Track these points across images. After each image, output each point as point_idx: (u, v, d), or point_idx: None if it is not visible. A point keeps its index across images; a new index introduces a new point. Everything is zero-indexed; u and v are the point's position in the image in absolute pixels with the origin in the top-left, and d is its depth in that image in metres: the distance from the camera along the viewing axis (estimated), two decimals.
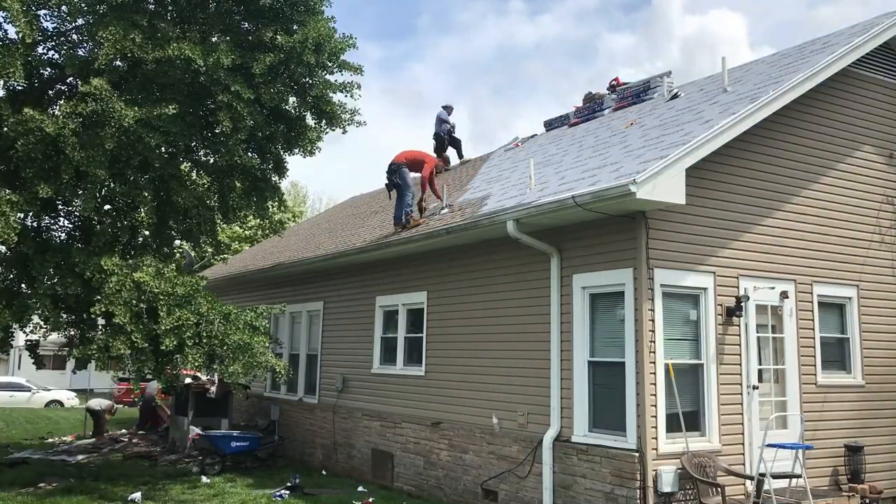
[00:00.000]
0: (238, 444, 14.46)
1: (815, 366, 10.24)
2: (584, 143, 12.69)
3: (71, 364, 14.61)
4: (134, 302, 10.96)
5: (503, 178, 13.10)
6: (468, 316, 11.51)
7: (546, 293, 9.98)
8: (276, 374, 13.31)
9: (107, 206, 12.86)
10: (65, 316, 12.82)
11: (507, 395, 10.53)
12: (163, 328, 10.86)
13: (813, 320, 10.32)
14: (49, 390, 35.23)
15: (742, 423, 9.32)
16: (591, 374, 9.29)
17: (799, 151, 10.46)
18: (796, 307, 10.14)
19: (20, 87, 11.80)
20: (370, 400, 13.67)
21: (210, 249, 18.60)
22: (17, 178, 11.58)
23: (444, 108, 17.96)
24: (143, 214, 12.87)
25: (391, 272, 13.54)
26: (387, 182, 13.35)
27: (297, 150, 13.05)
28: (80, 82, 11.77)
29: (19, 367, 42.86)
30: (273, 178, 13.59)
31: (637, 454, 8.47)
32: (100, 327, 12.66)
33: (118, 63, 11.37)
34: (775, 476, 8.69)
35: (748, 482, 8.98)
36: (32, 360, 14.43)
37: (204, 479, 13.21)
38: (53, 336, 14.68)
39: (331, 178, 77.10)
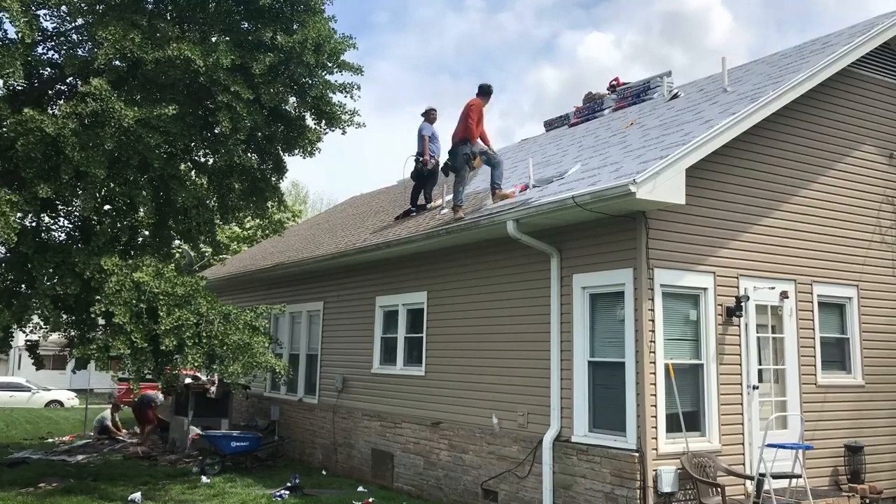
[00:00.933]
0: (238, 444, 14.46)
1: (815, 366, 10.24)
2: (584, 143, 12.69)
3: (71, 364, 14.64)
4: (134, 302, 10.97)
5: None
6: (468, 316, 11.50)
7: (546, 293, 9.98)
8: (276, 374, 13.32)
9: (106, 206, 12.86)
10: (65, 316, 12.85)
11: (507, 395, 10.52)
12: (163, 328, 10.86)
13: (813, 320, 10.32)
14: (49, 390, 35.22)
15: (742, 423, 9.31)
16: (591, 374, 9.28)
17: (799, 151, 10.46)
18: (796, 307, 10.14)
19: (20, 87, 11.80)
20: (370, 400, 13.66)
21: (209, 249, 18.62)
22: (16, 178, 11.58)
23: (425, 113, 13.79)
24: (142, 214, 12.88)
25: (391, 272, 13.54)
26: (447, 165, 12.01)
27: (296, 151, 13.07)
28: (79, 82, 11.79)
29: (19, 367, 42.86)
30: (273, 179, 13.60)
31: (637, 454, 8.46)
32: (100, 327, 12.68)
33: (118, 63, 11.37)
34: (775, 476, 8.69)
35: (748, 482, 8.97)
36: (32, 360, 14.46)
37: (204, 479, 13.20)
38: (53, 336, 14.71)
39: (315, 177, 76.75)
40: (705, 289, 9.26)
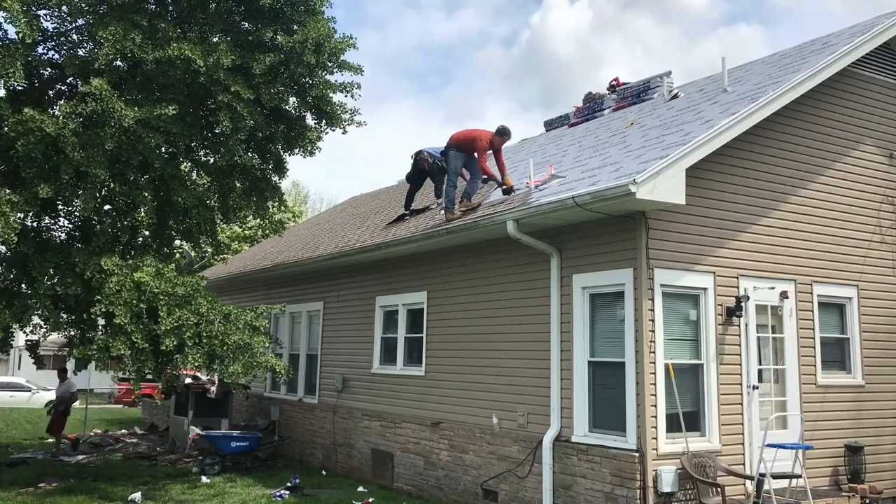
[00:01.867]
0: (238, 444, 14.46)
1: (815, 366, 10.24)
2: (584, 143, 12.70)
3: (71, 364, 14.63)
4: (134, 302, 10.97)
5: None
6: (468, 316, 11.51)
7: (546, 293, 9.98)
8: (276, 374, 13.31)
9: (107, 206, 12.87)
10: (65, 316, 12.84)
11: (507, 395, 10.53)
12: (163, 328, 10.86)
13: (813, 320, 10.32)
14: (49, 390, 35.12)
15: (742, 423, 9.31)
16: (591, 374, 9.29)
17: (799, 151, 10.46)
18: (796, 307, 10.14)
19: (20, 87, 11.81)
20: (370, 400, 13.67)
21: (210, 249, 18.61)
22: (17, 178, 11.58)
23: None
24: (142, 214, 12.89)
25: (391, 272, 13.54)
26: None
27: (297, 151, 13.07)
28: (80, 82, 11.78)
29: (19, 367, 42.87)
30: (273, 178, 13.61)
31: (637, 454, 8.47)
32: (100, 327, 12.68)
33: (118, 63, 11.37)
34: (775, 476, 8.69)
35: (748, 482, 8.98)
36: (32, 360, 14.44)
37: (204, 479, 13.21)
38: (53, 336, 14.69)
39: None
40: (705, 289, 9.27)
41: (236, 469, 14.30)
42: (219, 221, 14.32)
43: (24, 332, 13.48)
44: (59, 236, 13.05)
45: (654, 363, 8.63)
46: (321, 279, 15.91)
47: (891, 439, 10.73)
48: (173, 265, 12.86)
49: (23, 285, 12.35)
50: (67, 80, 12.60)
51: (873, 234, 11.10)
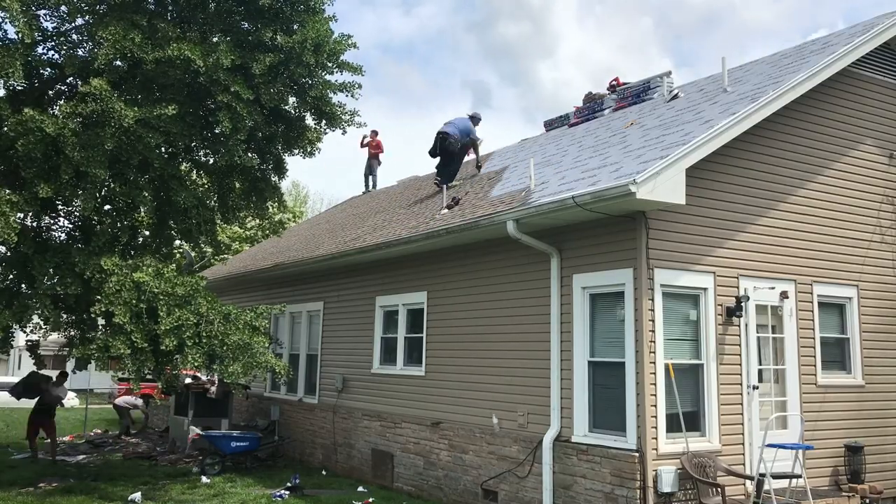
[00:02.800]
0: (238, 444, 14.46)
1: (815, 366, 10.24)
2: (583, 143, 12.69)
3: (71, 364, 14.63)
4: (134, 302, 10.97)
5: (503, 178, 13.09)
6: (468, 316, 11.50)
7: (546, 293, 9.98)
8: (276, 374, 13.32)
9: (107, 206, 12.88)
10: (65, 316, 12.84)
11: (507, 395, 10.52)
12: (163, 328, 10.86)
13: (813, 320, 10.31)
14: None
15: (742, 423, 9.31)
16: (591, 374, 9.29)
17: (799, 151, 10.45)
18: (796, 307, 10.14)
19: (20, 87, 11.81)
20: (370, 400, 13.66)
21: (210, 249, 18.63)
22: (17, 178, 11.59)
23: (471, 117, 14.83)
24: (142, 214, 12.89)
25: (391, 272, 13.54)
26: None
27: (296, 151, 13.08)
28: (80, 82, 11.79)
29: (19, 367, 42.82)
30: (273, 179, 13.61)
31: (637, 454, 8.46)
32: (100, 327, 12.67)
33: (118, 63, 11.38)
34: (775, 476, 8.69)
35: (748, 482, 8.97)
36: (32, 360, 14.44)
37: (204, 479, 13.20)
38: (53, 336, 14.69)
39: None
40: (705, 289, 9.26)
41: (236, 469, 14.30)
42: (218, 221, 14.32)
43: (25, 332, 13.48)
44: (59, 236, 13.06)
45: (654, 363, 8.62)
46: (321, 279, 15.91)
47: (891, 439, 10.72)
48: (173, 265, 12.87)
49: (23, 285, 12.36)
50: (67, 80, 12.60)
51: (873, 234, 11.10)
